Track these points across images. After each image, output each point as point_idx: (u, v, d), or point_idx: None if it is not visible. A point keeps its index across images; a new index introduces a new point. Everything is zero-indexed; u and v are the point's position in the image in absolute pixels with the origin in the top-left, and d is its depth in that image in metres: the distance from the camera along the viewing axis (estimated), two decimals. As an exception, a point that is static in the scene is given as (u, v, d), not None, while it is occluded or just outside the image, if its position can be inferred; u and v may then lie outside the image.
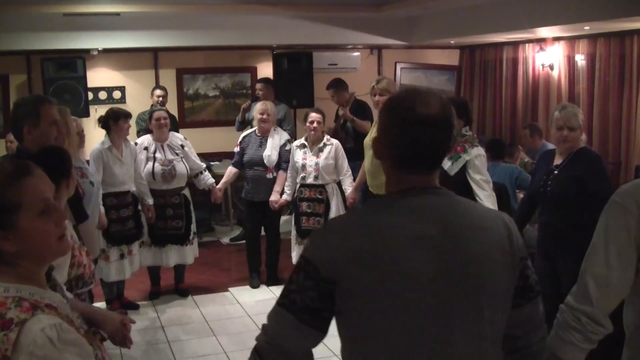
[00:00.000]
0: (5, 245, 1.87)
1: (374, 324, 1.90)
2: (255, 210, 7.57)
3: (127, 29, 9.37)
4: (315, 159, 7.02)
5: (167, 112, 7.55)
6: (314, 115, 7.04)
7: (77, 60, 9.52)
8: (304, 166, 7.06)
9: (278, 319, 1.99)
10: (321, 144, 7.05)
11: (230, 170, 7.60)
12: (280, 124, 9.02)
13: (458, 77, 11.65)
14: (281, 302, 1.99)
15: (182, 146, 7.18)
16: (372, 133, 6.43)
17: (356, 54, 10.97)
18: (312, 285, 1.92)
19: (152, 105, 9.01)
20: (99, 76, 10.13)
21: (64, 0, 8.19)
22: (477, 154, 5.52)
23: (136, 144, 7.05)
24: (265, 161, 7.34)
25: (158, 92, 9.31)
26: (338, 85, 8.77)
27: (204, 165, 7.48)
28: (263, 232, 7.76)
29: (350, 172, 7.08)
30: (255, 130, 7.54)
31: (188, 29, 9.60)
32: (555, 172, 5.09)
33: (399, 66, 11.42)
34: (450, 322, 1.90)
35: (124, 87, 10.20)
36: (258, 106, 7.59)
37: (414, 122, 1.94)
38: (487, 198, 5.38)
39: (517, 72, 10.35)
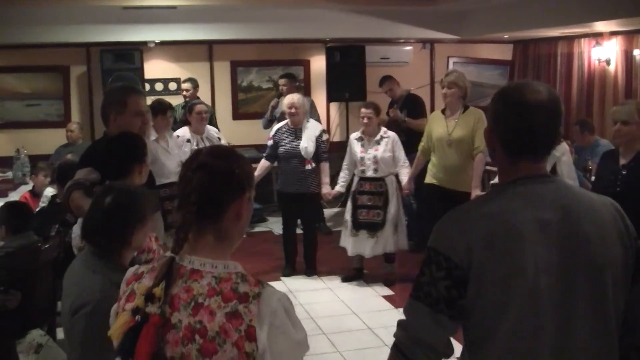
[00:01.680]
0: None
1: (504, 308, 1.97)
2: (290, 202, 7.61)
3: (183, 22, 9.55)
4: (373, 151, 7.06)
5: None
6: (363, 111, 7.11)
7: (135, 52, 9.75)
8: (362, 159, 7.12)
9: (415, 313, 2.06)
10: (378, 137, 7.10)
11: (263, 164, 7.57)
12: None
13: (511, 72, 11.61)
14: (415, 296, 2.05)
15: (219, 139, 7.30)
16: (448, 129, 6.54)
17: (408, 48, 11.01)
18: (445, 275, 1.99)
19: (185, 99, 9.16)
20: (155, 68, 10.34)
21: (124, -6, 8.38)
22: (564, 150, 5.59)
23: (178, 136, 7.17)
24: (302, 153, 7.36)
25: (185, 85, 9.53)
26: (392, 81, 8.80)
27: None
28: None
29: (407, 163, 7.12)
30: (287, 123, 7.57)
31: (242, 22, 9.75)
32: (624, 172, 4.94)
33: (451, 60, 11.42)
34: (576, 303, 1.97)
35: (179, 78, 10.34)
36: (286, 100, 7.64)
37: (524, 108, 2.05)
38: None
39: (571, 67, 10.27)
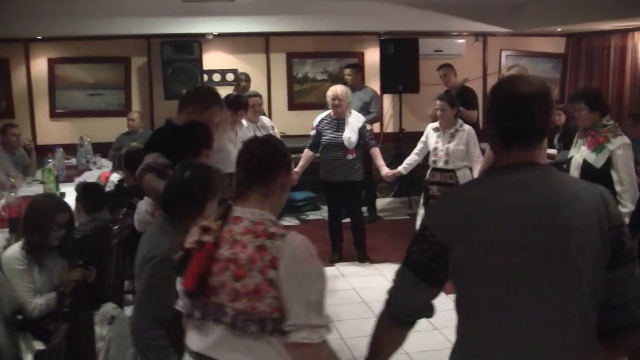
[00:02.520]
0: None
1: (483, 285, 2.17)
2: (333, 190, 7.77)
3: (241, 15, 9.80)
4: (447, 143, 7.10)
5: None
6: (438, 103, 7.15)
7: (194, 44, 10.03)
8: (435, 149, 7.18)
9: (402, 277, 2.33)
10: (453, 130, 7.11)
11: (306, 154, 7.76)
12: (367, 107, 9.28)
13: (564, 65, 11.60)
14: (405, 262, 2.32)
15: (272, 127, 7.50)
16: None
17: (461, 40, 11.08)
18: (428, 248, 2.24)
19: (235, 91, 9.39)
20: (213, 59, 10.59)
21: (185, -12, 8.64)
22: (621, 144, 5.51)
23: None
24: (345, 143, 7.49)
25: (244, 84, 9.86)
26: (449, 67, 8.90)
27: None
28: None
29: (481, 159, 7.03)
30: (330, 114, 7.72)
31: (298, 15, 9.95)
32: None
33: (503, 53, 11.46)
34: (552, 284, 2.12)
35: (236, 69, 10.61)
36: (329, 92, 7.74)
37: (515, 98, 2.21)
38: (625, 193, 5.39)
39: (624, 60, 10.26)
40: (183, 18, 9.72)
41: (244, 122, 7.32)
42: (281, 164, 2.59)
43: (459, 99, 8.27)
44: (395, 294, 2.35)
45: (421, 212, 7.31)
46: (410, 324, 2.36)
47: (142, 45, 10.52)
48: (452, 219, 2.20)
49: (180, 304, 2.56)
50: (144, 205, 4.35)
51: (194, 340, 2.48)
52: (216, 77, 10.57)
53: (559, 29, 10.69)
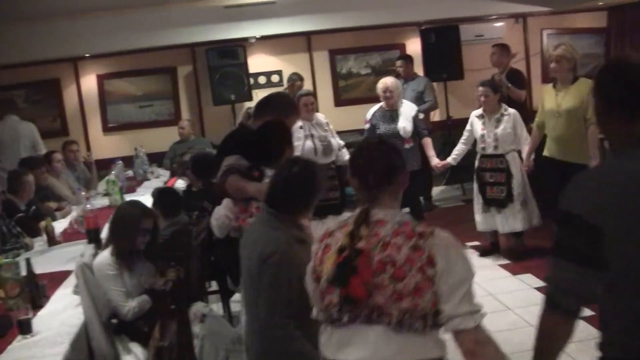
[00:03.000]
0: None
1: (636, 265, 2.18)
2: None
3: (282, 16, 9.92)
4: (493, 129, 7.08)
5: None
6: (480, 89, 7.12)
7: (238, 49, 10.18)
8: (482, 137, 7.16)
9: (560, 268, 2.29)
10: (498, 114, 7.09)
11: None
12: (421, 96, 9.31)
13: (607, 40, 11.47)
14: (558, 253, 2.29)
15: (327, 123, 7.57)
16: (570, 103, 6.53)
17: (501, 23, 11.08)
18: (579, 233, 2.21)
19: (289, 91, 9.51)
20: (257, 62, 10.73)
21: (226, -6, 8.76)
22: None
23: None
24: (401, 133, 7.54)
25: (296, 77, 10.06)
26: (502, 47, 8.89)
27: (343, 142, 7.80)
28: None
29: (528, 140, 7.05)
30: (382, 106, 7.78)
31: (338, 11, 10.04)
32: None
33: (544, 33, 11.42)
34: None
35: (280, 70, 10.74)
36: (379, 84, 7.81)
37: (632, 70, 2.25)
38: None
39: (671, 30, 10.14)
40: (226, 24, 9.85)
41: (301, 122, 7.43)
42: (402, 163, 2.69)
43: (508, 80, 8.26)
44: (559, 289, 2.29)
45: (479, 201, 7.35)
46: (577, 313, 2.30)
47: (187, 53, 10.70)
48: (599, 198, 2.18)
49: (316, 312, 2.63)
50: (223, 211, 4.48)
51: (335, 345, 2.54)
52: (262, 80, 10.70)
53: (600, 3, 10.60)
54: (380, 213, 2.55)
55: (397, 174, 2.64)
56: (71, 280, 4.65)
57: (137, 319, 4.20)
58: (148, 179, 8.91)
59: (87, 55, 10.35)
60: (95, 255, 4.45)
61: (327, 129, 7.30)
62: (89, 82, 10.66)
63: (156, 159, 9.74)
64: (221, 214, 4.50)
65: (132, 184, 8.43)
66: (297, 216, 3.31)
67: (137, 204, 4.51)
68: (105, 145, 10.61)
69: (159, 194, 5.48)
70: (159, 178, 8.97)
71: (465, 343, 2.39)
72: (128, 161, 9.30)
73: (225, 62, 10.06)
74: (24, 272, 4.29)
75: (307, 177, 3.35)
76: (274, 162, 4.05)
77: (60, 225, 6.40)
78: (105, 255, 4.29)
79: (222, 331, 4.49)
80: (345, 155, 7.36)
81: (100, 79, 10.65)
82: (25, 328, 3.77)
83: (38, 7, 8.38)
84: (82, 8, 8.66)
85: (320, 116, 7.58)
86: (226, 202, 4.48)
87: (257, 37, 10.41)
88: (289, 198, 3.32)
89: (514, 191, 7.07)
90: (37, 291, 4.28)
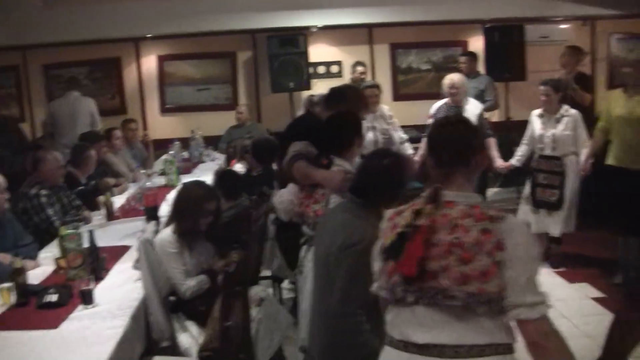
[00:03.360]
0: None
1: None
2: None
3: (344, 7, 9.89)
4: (552, 129, 6.95)
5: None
6: (542, 88, 7.01)
7: (299, 37, 10.14)
8: (541, 137, 7.03)
9: None
10: (558, 115, 6.95)
11: (425, 143, 7.70)
12: (482, 95, 9.20)
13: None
14: None
15: (391, 116, 7.52)
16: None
17: (567, 25, 10.89)
18: None
19: (351, 81, 9.49)
20: (318, 51, 10.69)
21: (289, -19, 8.75)
22: None
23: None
24: None
25: (360, 68, 9.99)
26: (574, 49, 8.72)
27: (406, 136, 7.74)
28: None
29: (587, 143, 6.89)
30: (447, 102, 7.69)
31: (401, 5, 9.96)
32: None
33: (613, 37, 11.18)
34: None
35: (340, 61, 10.72)
36: (446, 80, 7.72)
37: None
38: None
39: None
40: (288, 11, 9.86)
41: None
42: (479, 144, 2.65)
43: (575, 82, 8.10)
44: None
45: (529, 200, 7.22)
46: None
47: (247, 39, 10.71)
48: None
49: (379, 289, 2.61)
50: (287, 195, 4.52)
51: (401, 325, 2.52)
52: (321, 70, 10.69)
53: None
54: (451, 194, 2.51)
55: (472, 155, 2.57)
56: (130, 255, 4.71)
57: (194, 298, 4.22)
58: (203, 162, 8.97)
59: (149, 36, 10.42)
60: (157, 232, 4.47)
61: (390, 122, 7.26)
62: (150, 63, 10.77)
63: (212, 142, 9.78)
64: (286, 198, 4.55)
65: (188, 166, 8.49)
66: (382, 207, 3.25)
67: (202, 185, 4.53)
68: (161, 125, 10.70)
69: (221, 176, 5.51)
70: (214, 161, 9.02)
71: (528, 334, 2.36)
72: (184, 143, 9.35)
73: (285, 50, 10.04)
74: (86, 244, 4.35)
75: (397, 170, 3.40)
76: (344, 152, 4.16)
77: (117, 201, 6.46)
78: (167, 233, 4.31)
79: (278, 316, 4.49)
80: (407, 149, 7.32)
81: (161, 60, 10.74)
82: (87, 298, 3.82)
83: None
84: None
85: (384, 108, 7.54)
86: (291, 186, 4.51)
87: (319, 26, 10.37)
88: (378, 189, 3.37)
89: (565, 196, 6.93)
90: (98, 263, 4.33)
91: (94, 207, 6.26)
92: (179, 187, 4.94)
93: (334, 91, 5.08)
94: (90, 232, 4.35)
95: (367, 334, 3.08)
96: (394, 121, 7.41)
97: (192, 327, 4.16)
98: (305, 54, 10.17)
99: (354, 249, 3.14)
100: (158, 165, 8.54)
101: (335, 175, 4.03)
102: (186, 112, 10.74)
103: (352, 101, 4.81)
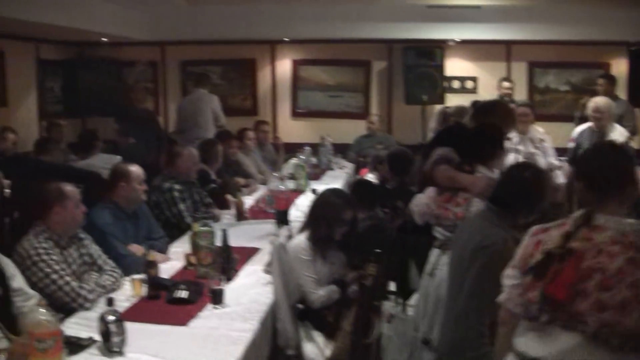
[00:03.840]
0: None
1: None
2: None
3: (484, 22, 9.67)
4: None
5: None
6: None
7: (437, 50, 10.04)
8: None
9: None
10: None
11: (567, 168, 7.42)
12: (619, 120, 8.81)
13: None
14: None
15: (542, 140, 7.25)
16: None
17: None
18: None
19: (498, 96, 9.25)
20: (453, 65, 10.53)
21: (430, -7, 8.61)
22: None
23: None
24: None
25: (506, 84, 9.71)
26: None
27: (558, 163, 7.46)
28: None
29: None
30: (590, 126, 7.39)
31: (542, 22, 9.65)
32: None
33: None
34: None
35: (475, 77, 10.53)
36: (590, 103, 7.44)
37: None
38: None
39: None
40: (427, 23, 9.72)
41: (513, 133, 7.19)
42: (633, 171, 2.56)
43: None
44: None
45: None
46: None
47: (383, 49, 10.66)
48: None
49: (508, 301, 2.56)
50: (424, 198, 4.49)
51: (531, 344, 2.45)
52: (455, 84, 10.53)
53: None
54: (602, 218, 2.42)
55: (626, 182, 2.50)
56: (260, 258, 4.70)
57: (323, 308, 4.16)
58: (332, 169, 8.91)
59: (286, 39, 10.50)
60: (290, 237, 4.43)
61: (538, 146, 7.01)
62: (284, 66, 10.88)
63: (340, 149, 9.73)
64: (422, 201, 4.54)
65: (317, 172, 8.45)
66: (519, 218, 3.42)
67: (341, 193, 4.48)
68: (291, 129, 10.79)
69: (357, 185, 5.44)
70: (343, 169, 8.97)
71: None
72: (312, 148, 9.35)
73: (421, 62, 9.96)
74: (218, 243, 4.34)
75: (537, 183, 3.49)
76: (485, 162, 4.27)
77: (246, 202, 6.48)
78: (301, 239, 4.27)
79: (407, 333, 4.39)
80: (558, 177, 7.05)
81: (295, 64, 10.84)
82: (217, 298, 3.81)
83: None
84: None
85: (536, 131, 7.26)
86: (430, 190, 4.50)
87: (457, 40, 10.20)
88: (516, 200, 3.47)
89: None
90: (229, 264, 4.31)
91: (224, 205, 6.29)
92: (317, 193, 4.89)
93: (484, 105, 5.31)
94: (224, 232, 4.34)
95: (481, 339, 3.21)
96: (544, 145, 7.14)
97: (319, 337, 4.10)
98: (441, 67, 10.06)
99: (486, 251, 3.29)
100: (286, 168, 8.55)
101: (480, 180, 4.12)
102: (316, 117, 10.80)
103: (500, 116, 4.88)
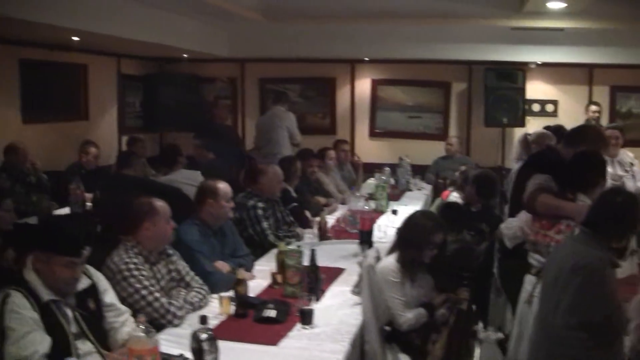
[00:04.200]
0: None
1: None
2: None
3: (566, 44, 9.53)
4: None
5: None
6: None
7: (518, 72, 9.96)
8: None
9: None
10: None
11: None
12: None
13: None
14: None
15: (631, 164, 7.10)
16: None
17: None
18: None
19: (586, 120, 9.10)
20: (534, 88, 10.43)
21: (514, 15, 8.51)
22: None
23: None
24: None
25: (594, 107, 9.61)
26: None
27: None
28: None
29: None
30: None
31: (625, 46, 9.47)
32: None
33: None
34: None
35: (556, 100, 10.40)
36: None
37: None
38: None
39: None
40: (510, 45, 9.63)
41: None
42: None
43: None
44: None
45: None
46: None
47: (463, 70, 10.63)
48: None
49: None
50: (516, 223, 4.58)
51: None
52: (535, 107, 10.42)
53: None
54: None
55: None
56: (345, 278, 4.70)
57: (410, 330, 4.13)
58: (410, 190, 8.86)
59: (366, 59, 10.54)
60: (378, 258, 4.42)
61: (627, 169, 6.88)
62: (363, 86, 10.93)
63: (418, 171, 9.68)
64: (514, 225, 4.61)
65: (395, 193, 8.41)
66: (612, 241, 3.50)
67: (431, 216, 4.47)
68: (369, 149, 10.81)
69: (445, 207, 5.42)
70: (421, 190, 8.91)
71: None
72: (392, 169, 9.33)
73: (503, 84, 9.91)
74: (305, 262, 4.35)
75: (630, 208, 3.55)
76: (587, 190, 4.26)
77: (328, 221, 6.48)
78: (391, 261, 4.27)
79: (497, 357, 4.35)
80: None
81: (375, 83, 10.87)
82: (307, 318, 3.82)
83: (321, 8, 8.59)
84: (364, 13, 8.78)
85: (625, 154, 7.13)
86: (523, 215, 4.53)
87: (539, 63, 10.09)
88: (609, 224, 3.52)
89: None
90: (317, 283, 4.32)
91: (305, 224, 6.31)
92: (397, 214, 4.89)
93: (575, 130, 5.21)
94: (312, 252, 4.36)
95: (591, 351, 3.27)
96: (634, 169, 7.00)
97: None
98: (522, 89, 9.99)
99: (583, 271, 3.39)
100: (365, 188, 8.55)
101: (584, 208, 4.04)
102: (395, 137, 10.80)
103: (592, 141, 4.85)
